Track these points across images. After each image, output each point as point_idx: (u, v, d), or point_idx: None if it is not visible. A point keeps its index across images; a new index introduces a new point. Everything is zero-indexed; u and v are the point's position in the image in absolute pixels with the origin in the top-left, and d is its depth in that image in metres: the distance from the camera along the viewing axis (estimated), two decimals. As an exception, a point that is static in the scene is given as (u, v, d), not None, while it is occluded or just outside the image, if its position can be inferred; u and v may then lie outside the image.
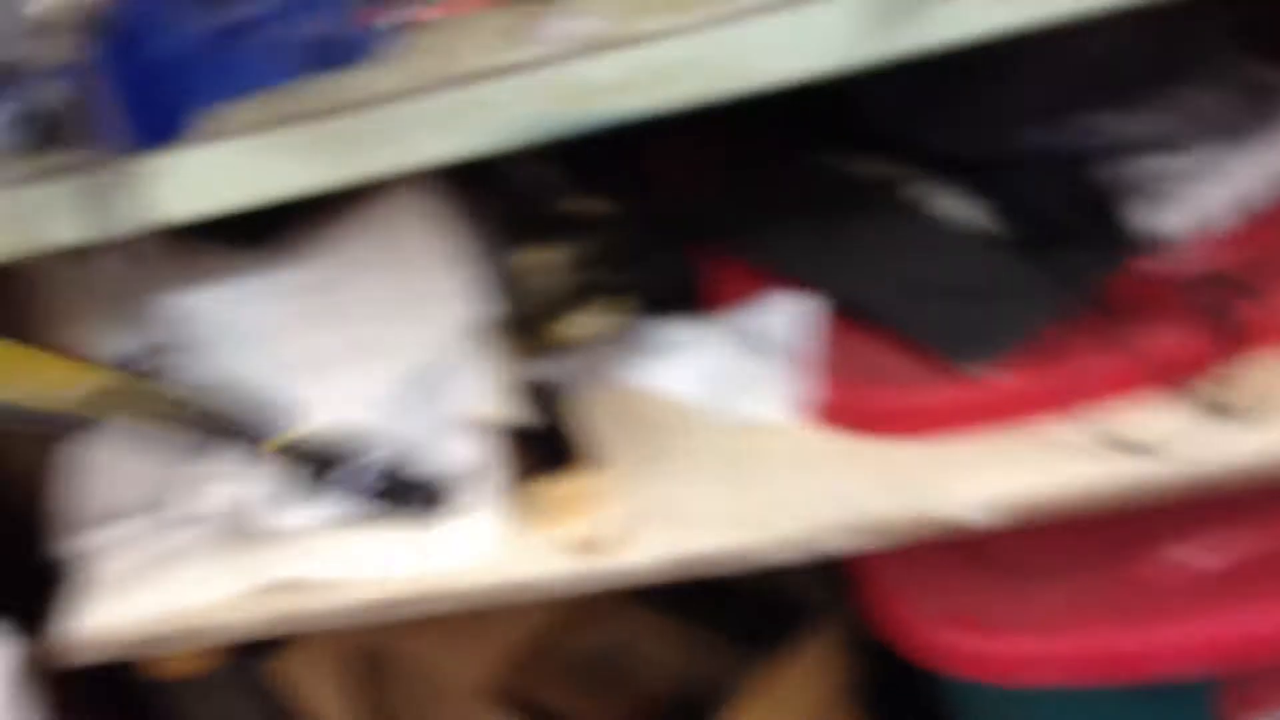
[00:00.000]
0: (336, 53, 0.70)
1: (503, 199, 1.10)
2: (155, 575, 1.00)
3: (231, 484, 0.98)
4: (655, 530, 0.99)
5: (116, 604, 1.01)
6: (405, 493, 0.65)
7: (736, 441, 1.04)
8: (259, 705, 1.18)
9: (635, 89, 0.70)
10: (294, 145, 0.70)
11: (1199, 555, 1.07)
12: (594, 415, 1.07)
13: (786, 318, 1.03)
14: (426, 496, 0.65)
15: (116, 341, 0.99)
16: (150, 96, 0.64)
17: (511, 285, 1.10)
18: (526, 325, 1.11)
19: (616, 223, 1.13)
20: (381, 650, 1.27)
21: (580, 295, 1.12)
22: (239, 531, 1.01)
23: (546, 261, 1.11)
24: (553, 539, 1.00)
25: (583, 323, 1.13)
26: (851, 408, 1.01)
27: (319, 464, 0.61)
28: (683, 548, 0.97)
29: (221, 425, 0.57)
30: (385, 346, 0.98)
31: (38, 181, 0.70)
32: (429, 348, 1.01)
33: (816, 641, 1.19)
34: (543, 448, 1.02)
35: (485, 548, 0.99)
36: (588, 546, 0.98)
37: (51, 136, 0.68)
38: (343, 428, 0.93)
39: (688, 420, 1.07)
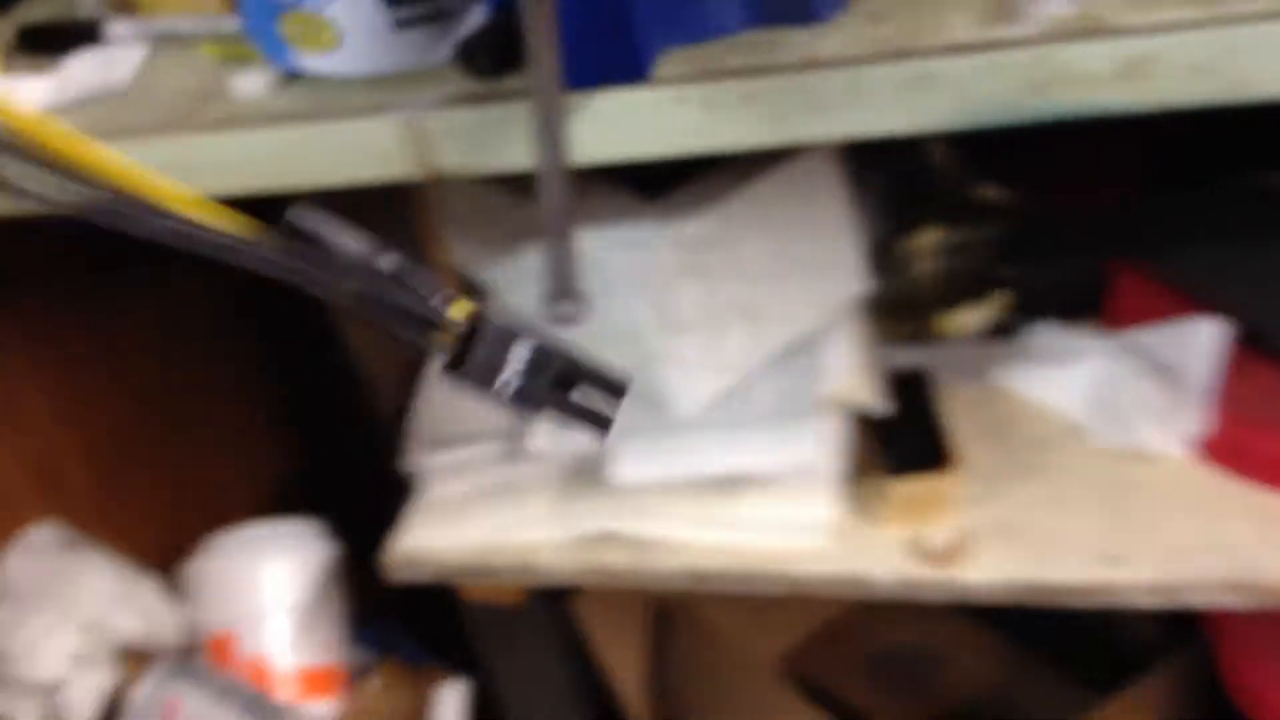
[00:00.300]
0: (793, 6, 0.64)
1: (901, 175, 1.03)
2: (488, 506, 1.00)
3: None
4: (1005, 549, 0.92)
5: (443, 528, 1.01)
6: (580, 395, 0.57)
7: (1114, 469, 0.95)
8: (555, 640, 1.17)
9: (1117, 84, 0.62)
10: (731, 100, 0.65)
11: None
12: (959, 414, 1.01)
13: (1195, 345, 0.93)
14: (601, 406, 0.57)
15: (491, 267, 0.98)
16: (602, 33, 0.60)
17: (897, 265, 1.04)
18: (906, 308, 1.05)
19: (1017, 216, 1.05)
20: (679, 609, 1.24)
21: (967, 285, 1.05)
22: (577, 475, 0.99)
23: (936, 246, 1.04)
24: (891, 538, 0.94)
25: (965, 315, 1.06)
26: (1253, 452, 0.91)
27: (494, 347, 0.54)
28: (1032, 573, 0.90)
29: (394, 297, 0.52)
30: (764, 310, 0.94)
31: (477, 104, 0.68)
32: (805, 318, 0.96)
33: (1153, 688, 1.09)
34: (899, 439, 0.96)
35: (818, 534, 0.94)
36: (929, 554, 0.92)
37: (500, 61, 0.65)
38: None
39: (1063, 436, 0.99)
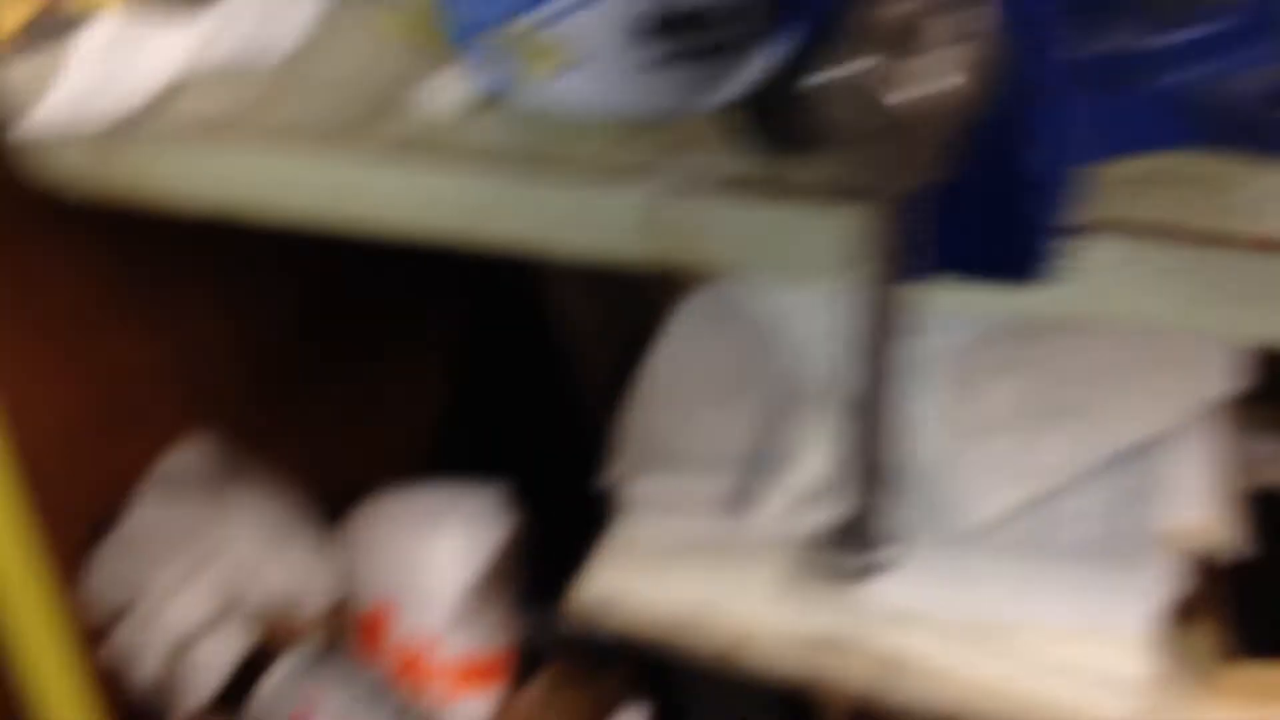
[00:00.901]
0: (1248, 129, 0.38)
1: None
2: (698, 564, 0.80)
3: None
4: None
5: (640, 576, 0.82)
6: None
7: None
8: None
9: None
10: (1138, 263, 0.40)
11: None
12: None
13: None
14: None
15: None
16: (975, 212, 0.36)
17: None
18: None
19: None
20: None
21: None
22: (817, 551, 0.78)
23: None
24: (1218, 721, 0.70)
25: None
26: None
27: None
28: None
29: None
30: (1092, 413, 0.70)
31: (758, 192, 0.45)
32: (1146, 422, 0.71)
33: None
34: (1251, 596, 0.72)
35: (1124, 699, 0.71)
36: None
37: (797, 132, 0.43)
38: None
39: None
